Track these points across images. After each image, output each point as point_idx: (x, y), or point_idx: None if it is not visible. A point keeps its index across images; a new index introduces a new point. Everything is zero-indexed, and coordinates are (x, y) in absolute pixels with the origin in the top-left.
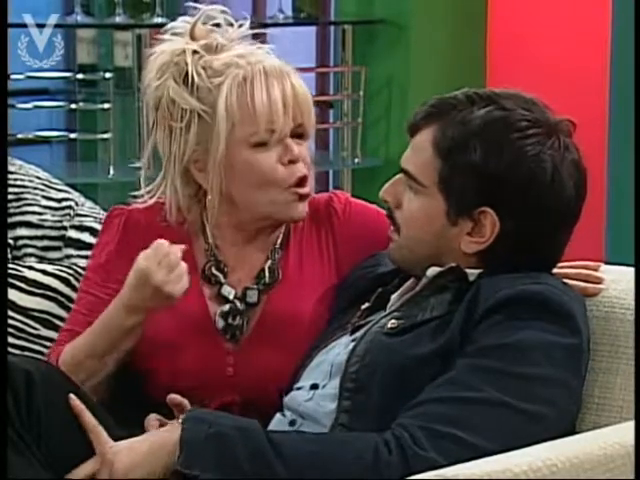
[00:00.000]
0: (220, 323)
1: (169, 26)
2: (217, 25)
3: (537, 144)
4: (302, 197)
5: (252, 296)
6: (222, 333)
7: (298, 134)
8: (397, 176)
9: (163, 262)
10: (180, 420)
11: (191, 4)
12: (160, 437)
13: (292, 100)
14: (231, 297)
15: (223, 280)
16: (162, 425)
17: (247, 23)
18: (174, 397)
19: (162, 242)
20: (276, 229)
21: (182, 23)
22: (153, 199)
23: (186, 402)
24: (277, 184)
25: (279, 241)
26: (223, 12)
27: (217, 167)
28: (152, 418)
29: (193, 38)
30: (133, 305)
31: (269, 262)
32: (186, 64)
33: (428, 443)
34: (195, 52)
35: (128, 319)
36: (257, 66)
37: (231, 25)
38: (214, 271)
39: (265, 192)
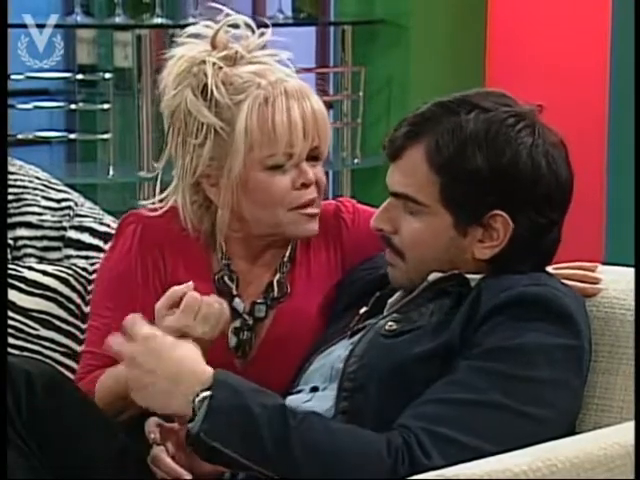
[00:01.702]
0: (233, 340)
1: (188, 29)
2: (235, 26)
3: (528, 136)
4: (311, 216)
5: (260, 311)
6: (233, 350)
7: (314, 156)
8: (386, 202)
9: (197, 317)
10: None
11: (212, 4)
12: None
13: (311, 122)
14: (241, 310)
15: (235, 292)
16: (162, 428)
17: (268, 32)
18: None
19: (192, 297)
20: (286, 244)
21: (203, 28)
22: (166, 206)
23: None
24: (284, 206)
25: (287, 254)
26: (246, 22)
27: (230, 185)
28: (152, 422)
29: (214, 47)
30: None
31: (277, 276)
32: (205, 76)
33: (436, 452)
34: (214, 64)
35: None
36: (278, 87)
37: (252, 30)
38: (226, 281)
39: (272, 212)
